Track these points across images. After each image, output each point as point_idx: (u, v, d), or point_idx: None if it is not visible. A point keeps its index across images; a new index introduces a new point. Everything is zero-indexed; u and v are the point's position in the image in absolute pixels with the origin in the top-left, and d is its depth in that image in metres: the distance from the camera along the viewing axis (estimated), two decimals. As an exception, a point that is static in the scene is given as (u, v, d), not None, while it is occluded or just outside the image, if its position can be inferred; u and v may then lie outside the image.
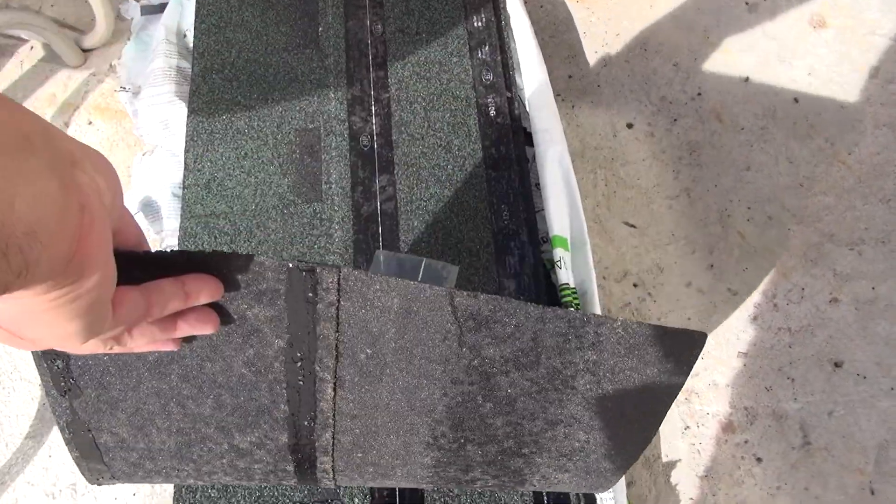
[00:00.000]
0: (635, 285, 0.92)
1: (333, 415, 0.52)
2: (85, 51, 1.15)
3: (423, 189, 0.90)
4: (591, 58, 1.10)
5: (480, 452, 0.54)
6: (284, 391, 0.50)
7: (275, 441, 0.53)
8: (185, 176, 0.94)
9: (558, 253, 0.84)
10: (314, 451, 0.54)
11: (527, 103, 0.97)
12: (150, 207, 1.01)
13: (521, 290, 0.84)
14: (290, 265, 0.44)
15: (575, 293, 0.82)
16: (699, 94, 1.04)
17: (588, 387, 0.50)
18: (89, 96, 1.13)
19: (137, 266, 0.39)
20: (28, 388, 0.90)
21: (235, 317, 0.46)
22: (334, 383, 0.50)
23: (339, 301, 0.46)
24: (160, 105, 1.03)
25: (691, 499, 0.81)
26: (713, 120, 1.02)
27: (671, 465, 0.83)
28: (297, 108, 0.97)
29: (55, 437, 0.87)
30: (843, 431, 0.83)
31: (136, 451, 0.54)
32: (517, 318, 0.46)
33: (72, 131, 1.10)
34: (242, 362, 0.49)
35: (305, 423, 0.52)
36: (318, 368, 0.49)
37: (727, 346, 0.88)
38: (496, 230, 0.87)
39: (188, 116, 0.97)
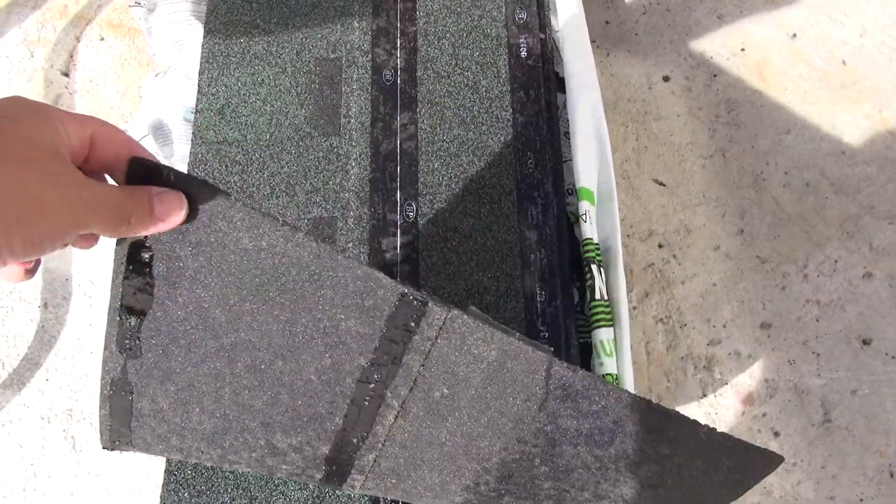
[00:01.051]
0: (660, 245, 0.88)
1: (384, 440, 0.51)
2: (99, -38, 1.10)
3: (445, 130, 0.85)
4: (631, 4, 1.04)
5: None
6: (346, 406, 0.49)
7: (315, 450, 0.52)
8: (198, 100, 0.89)
9: (584, 206, 0.80)
10: (350, 467, 0.53)
11: (561, 47, 0.92)
12: (160, 131, 0.97)
13: (541, 242, 0.80)
14: (405, 291, 0.45)
15: (598, 249, 0.79)
16: (742, 49, 0.99)
17: (649, 475, 0.50)
18: (102, 11, 1.08)
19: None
20: (27, 308, 0.87)
21: (327, 324, 0.46)
22: (398, 412, 0.49)
23: (436, 339, 0.46)
24: (176, 24, 0.98)
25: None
26: (755, 78, 0.97)
27: (684, 432, 0.81)
28: (319, 35, 0.92)
29: (53, 361, 0.84)
30: (867, 412, 0.80)
31: (168, 425, 0.53)
32: (607, 400, 0.47)
33: (82, 46, 1.05)
34: (315, 369, 0.48)
35: (354, 440, 0.51)
36: (388, 394, 0.49)
37: (752, 315, 0.85)
38: (520, 178, 0.83)
39: (204, 37, 0.92)
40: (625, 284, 0.77)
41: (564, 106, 0.88)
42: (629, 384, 0.70)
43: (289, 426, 0.51)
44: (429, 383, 0.48)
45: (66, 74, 1.04)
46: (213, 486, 0.71)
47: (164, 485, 0.71)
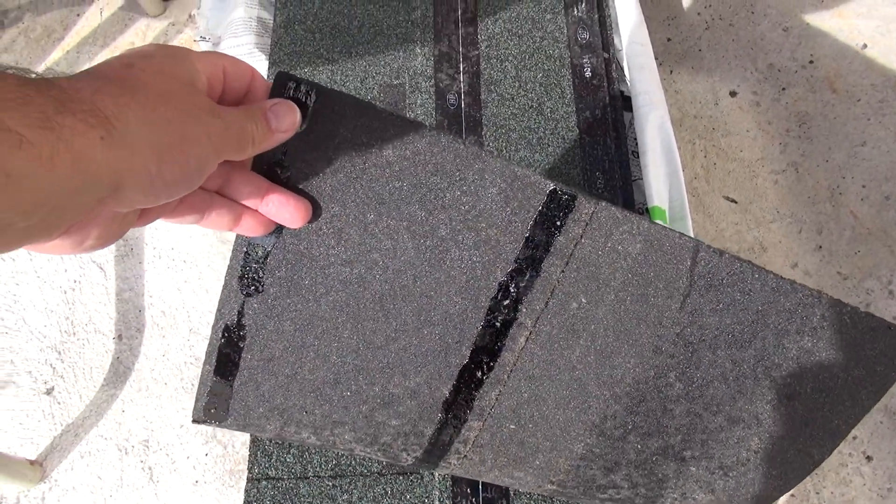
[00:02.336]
0: (736, 264, 0.86)
1: (511, 370, 0.48)
2: (165, 0, 1.13)
3: (512, 152, 0.85)
4: (693, 20, 1.03)
5: (639, 447, 0.50)
6: (475, 332, 0.47)
7: (433, 391, 0.49)
8: (264, 130, 0.90)
9: (657, 225, 0.78)
10: (468, 409, 0.50)
11: (625, 65, 0.91)
12: (226, 162, 0.98)
13: (613, 264, 0.79)
14: (554, 187, 0.42)
15: (674, 269, 0.77)
16: (811, 61, 0.97)
17: (788, 381, 0.47)
18: (167, 47, 1.10)
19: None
20: (102, 340, 0.88)
21: (467, 235, 0.44)
22: (529, 334, 0.47)
23: (581, 237, 0.44)
24: (240, 57, 1.00)
25: (792, 495, 0.75)
26: (826, 90, 0.94)
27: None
28: (382, 62, 0.92)
29: (128, 393, 0.85)
30: (965, 433, 0.76)
31: (275, 378, 0.50)
32: (751, 285, 0.44)
33: (149, 82, 1.08)
34: (448, 291, 0.46)
35: (478, 374, 0.48)
36: (523, 310, 0.46)
37: (836, 333, 0.82)
38: (590, 198, 0.82)
39: (269, 69, 0.94)
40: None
41: (631, 124, 0.87)
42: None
43: (409, 365, 0.48)
44: (567, 292, 0.45)
45: (134, 110, 1.06)
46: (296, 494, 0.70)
47: (246, 492, 0.71)
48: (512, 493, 0.70)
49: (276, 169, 0.42)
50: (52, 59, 1.11)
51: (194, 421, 0.51)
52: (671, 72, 1.00)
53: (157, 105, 0.30)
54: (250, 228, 0.41)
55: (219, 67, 0.36)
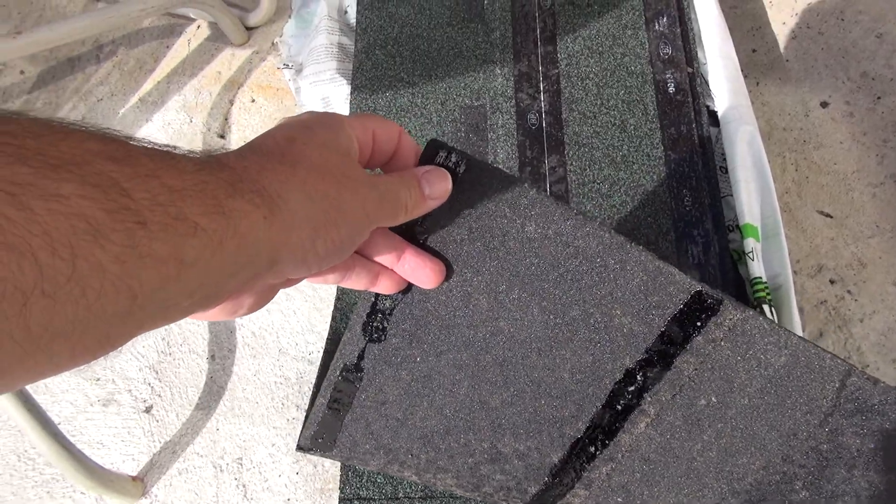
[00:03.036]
0: (832, 281, 0.83)
1: (626, 451, 0.48)
2: (248, 29, 1.17)
3: (596, 171, 0.84)
4: (778, 29, 1.00)
5: None
6: (594, 410, 0.46)
7: (542, 457, 0.49)
8: (348, 154, 0.92)
9: (749, 243, 0.76)
10: (575, 481, 0.50)
11: (709, 79, 0.89)
12: (310, 185, 1.01)
13: (703, 281, 0.77)
14: (700, 289, 0.42)
15: (767, 288, 0.74)
16: (907, 68, 0.93)
17: None
18: (252, 74, 1.14)
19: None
20: (196, 360, 0.91)
21: (598, 318, 0.43)
22: (652, 420, 0.46)
23: (721, 341, 0.43)
24: (322, 83, 1.02)
25: None
26: (925, 97, 0.91)
27: None
28: (462, 84, 0.93)
29: (222, 411, 0.88)
30: None
31: (386, 420, 0.51)
32: None
33: (236, 109, 1.12)
34: (572, 367, 0.46)
35: (591, 448, 0.48)
36: (647, 398, 0.45)
37: (944, 357, 0.78)
38: (677, 217, 0.80)
39: (351, 94, 0.96)
40: (800, 324, 0.73)
41: (718, 140, 0.85)
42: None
43: (522, 429, 0.48)
44: (697, 389, 0.44)
45: (223, 136, 1.10)
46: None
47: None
48: None
49: (415, 228, 0.43)
50: (145, 90, 1.16)
51: (299, 448, 0.52)
52: (758, 83, 0.97)
53: (316, 180, 0.31)
54: (386, 288, 0.42)
55: (369, 131, 0.36)
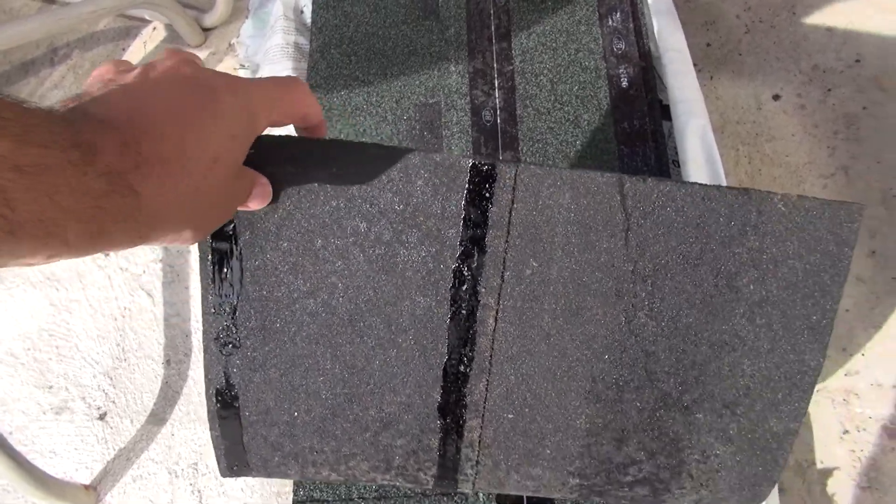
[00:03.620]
0: (785, 273, 0.83)
1: (490, 356, 0.49)
2: (205, 30, 1.16)
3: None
4: (732, 23, 1.01)
5: (638, 404, 0.50)
6: (445, 327, 0.48)
7: (424, 399, 0.50)
8: (303, 154, 0.91)
9: (701, 236, 0.76)
10: (464, 409, 0.51)
11: (662, 73, 0.89)
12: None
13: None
14: (473, 161, 0.44)
15: (719, 280, 0.75)
16: (857, 60, 0.94)
17: (752, 287, 0.46)
18: (209, 75, 1.13)
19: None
20: (152, 365, 0.90)
21: (413, 231, 0.45)
22: (496, 312, 0.48)
23: (512, 202, 0.45)
24: (278, 82, 1.02)
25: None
26: (874, 89, 0.91)
27: (827, 472, 0.75)
28: (417, 82, 0.93)
29: (177, 416, 0.87)
30: None
31: (278, 427, 0.52)
32: (682, 200, 0.44)
33: (192, 110, 1.10)
34: (411, 292, 0.47)
35: (462, 368, 0.49)
36: (482, 291, 0.47)
37: (892, 341, 0.79)
38: (630, 210, 0.80)
39: (306, 93, 0.95)
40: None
41: (671, 134, 0.86)
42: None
43: (395, 379, 0.50)
44: (517, 261, 0.46)
45: (179, 138, 1.09)
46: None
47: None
48: None
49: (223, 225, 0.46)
50: (100, 93, 1.14)
51: (224, 476, 0.53)
52: (711, 77, 0.98)
53: (196, 192, 0.32)
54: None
55: (299, 115, 0.40)
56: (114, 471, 0.85)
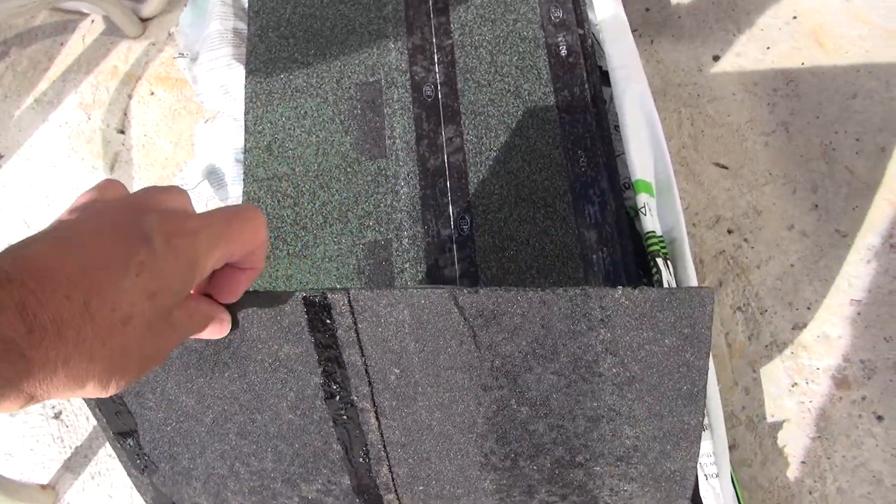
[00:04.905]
0: (730, 231, 0.84)
1: (384, 446, 0.51)
2: (143, 20, 1.14)
3: (492, 139, 0.84)
4: (671, -13, 1.01)
5: (536, 468, 0.51)
6: (333, 430, 0.50)
7: (338, 485, 0.53)
8: (245, 139, 0.90)
9: (642, 198, 0.77)
10: (377, 488, 0.53)
11: (601, 39, 0.89)
12: (214, 175, 0.99)
13: (602, 241, 0.77)
14: (304, 294, 0.45)
15: (662, 241, 0.75)
16: (794, 17, 0.94)
17: (614, 370, 0.46)
18: (150, 66, 1.11)
19: None
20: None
21: (270, 360, 0.47)
22: (375, 411, 0.49)
23: (355, 324, 0.46)
24: (219, 69, 1.00)
25: (803, 462, 0.74)
26: (812, 45, 0.92)
27: (778, 425, 0.76)
28: (357, 61, 0.92)
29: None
30: (979, 384, 0.73)
31: None
32: (521, 307, 0.44)
33: (135, 102, 1.09)
34: (287, 407, 0.49)
35: (361, 459, 0.51)
36: (355, 398, 0.49)
37: (837, 293, 0.80)
38: (573, 178, 0.81)
39: (246, 78, 0.94)
40: (695, 275, 0.74)
41: (612, 99, 0.86)
42: (713, 385, 0.66)
43: (304, 472, 0.52)
44: (378, 370, 0.47)
45: (122, 132, 1.07)
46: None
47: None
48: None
49: None
50: (40, 90, 1.12)
51: None
52: (652, 42, 0.98)
53: (124, 364, 0.31)
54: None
55: (237, 255, 0.37)
56: (72, 469, 0.85)
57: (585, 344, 0.45)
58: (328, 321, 0.45)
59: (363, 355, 0.47)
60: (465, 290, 0.45)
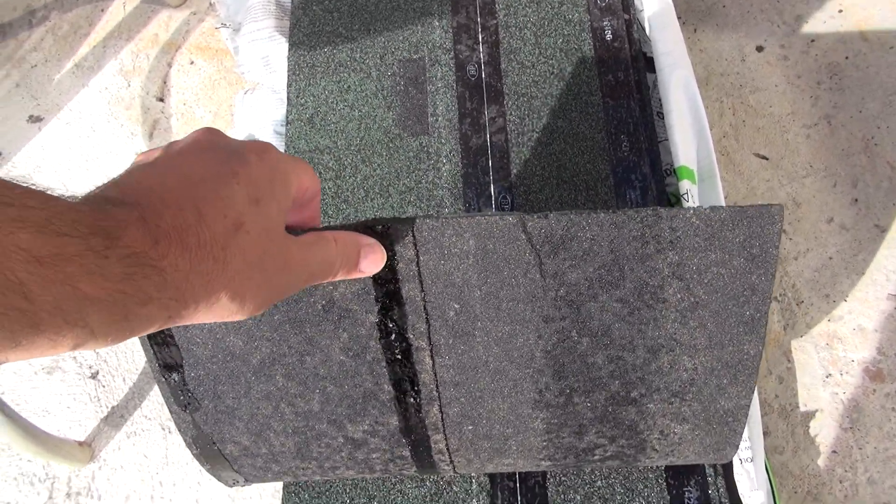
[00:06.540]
0: (768, 222, 0.84)
1: (436, 386, 0.50)
2: (184, -10, 1.14)
3: (535, 120, 0.84)
4: (716, -24, 1.01)
5: (589, 404, 0.51)
6: (385, 370, 0.49)
7: (386, 425, 0.52)
8: (287, 111, 0.91)
9: (685, 185, 0.77)
10: (425, 429, 0.53)
11: (646, 26, 0.89)
12: (253, 146, 0.99)
13: (642, 226, 0.78)
14: (367, 225, 0.43)
15: (703, 229, 0.76)
16: (840, 11, 0.94)
17: (679, 296, 0.46)
18: (190, 35, 1.11)
19: None
20: (141, 325, 0.90)
21: (324, 302, 0.46)
22: (430, 350, 0.48)
23: (417, 256, 0.45)
24: (260, 41, 1.01)
25: (834, 451, 0.74)
26: (857, 39, 0.92)
27: (810, 415, 0.77)
28: (401, 37, 0.92)
29: (168, 373, 0.87)
30: None
31: (260, 457, 0.55)
32: (591, 230, 0.44)
33: (174, 71, 1.09)
34: (339, 349, 0.48)
35: (411, 399, 0.51)
36: (411, 337, 0.48)
37: (875, 287, 0.80)
38: (615, 162, 0.81)
39: (289, 50, 0.94)
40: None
41: (655, 86, 0.86)
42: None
43: (352, 413, 0.51)
44: (437, 306, 0.47)
45: (161, 100, 1.08)
46: (331, 486, 0.71)
47: (284, 486, 0.72)
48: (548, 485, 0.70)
49: None
50: (80, 55, 1.13)
51: (228, 486, 0.60)
52: (695, 30, 0.98)
53: (244, 277, 0.31)
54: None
55: (304, 187, 0.37)
56: (107, 428, 0.86)
57: (652, 268, 0.45)
58: (388, 253, 0.44)
59: (423, 290, 0.46)
60: (534, 216, 0.44)
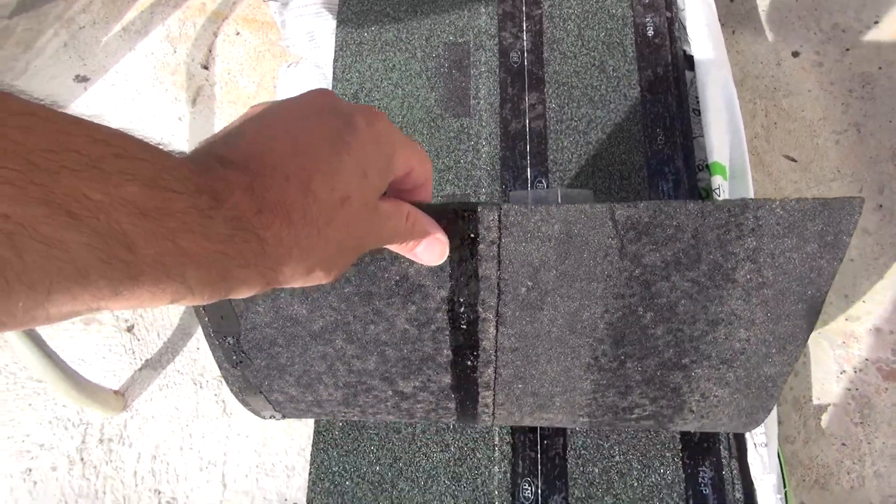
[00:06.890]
0: (794, 222, 0.87)
1: (495, 351, 0.52)
2: (234, -39, 1.17)
3: (574, 109, 0.87)
4: (756, -19, 1.03)
5: (640, 368, 0.53)
6: (447, 337, 0.51)
7: (438, 383, 0.54)
8: (333, 86, 0.94)
9: (717, 180, 0.80)
10: (476, 386, 0.55)
11: (687, 25, 0.92)
12: (294, 118, 1.02)
13: (672, 218, 0.80)
14: (454, 209, 0.44)
15: (732, 223, 0.78)
16: (876, 22, 0.96)
17: (748, 276, 0.47)
18: (237, 7, 1.14)
19: None
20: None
21: (397, 278, 0.47)
22: (496, 321, 0.50)
23: (500, 238, 0.46)
24: (307, 16, 1.03)
25: (844, 444, 0.77)
26: (891, 50, 0.94)
27: (823, 408, 0.79)
28: (447, 21, 0.95)
29: (201, 331, 0.90)
30: None
31: (304, 403, 0.58)
32: (677, 219, 0.45)
33: (220, 41, 1.12)
34: (405, 319, 0.49)
35: (469, 363, 0.53)
36: (480, 310, 0.49)
37: (893, 290, 0.83)
38: (650, 154, 0.83)
39: (337, 27, 0.97)
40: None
41: (693, 83, 0.88)
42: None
43: (406, 372, 0.53)
44: (511, 284, 0.47)
45: (206, 67, 1.10)
46: (359, 446, 0.74)
47: (314, 444, 0.75)
48: (568, 435, 0.73)
49: None
50: (128, 19, 1.16)
51: (263, 419, 0.64)
52: (733, 32, 1.00)
53: (338, 243, 0.31)
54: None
55: (410, 168, 0.36)
56: (141, 379, 0.89)
57: (729, 252, 0.46)
58: (472, 235, 0.45)
59: (499, 269, 0.47)
60: (624, 204, 0.45)
